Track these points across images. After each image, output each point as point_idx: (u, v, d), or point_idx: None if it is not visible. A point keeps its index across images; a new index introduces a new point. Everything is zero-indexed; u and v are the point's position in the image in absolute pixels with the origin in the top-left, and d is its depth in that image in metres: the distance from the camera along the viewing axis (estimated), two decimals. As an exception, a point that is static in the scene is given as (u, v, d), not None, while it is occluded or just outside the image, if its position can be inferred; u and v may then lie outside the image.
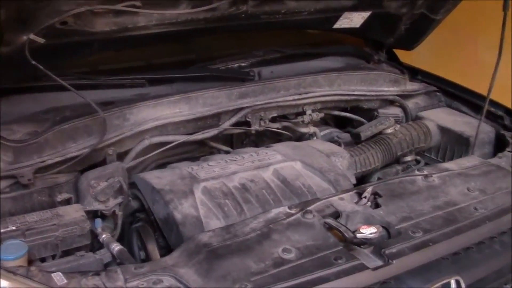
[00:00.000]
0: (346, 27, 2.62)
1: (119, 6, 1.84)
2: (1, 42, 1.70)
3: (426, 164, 2.43)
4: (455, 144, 2.41)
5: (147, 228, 1.87)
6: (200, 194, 1.84)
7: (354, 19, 2.60)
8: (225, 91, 2.24)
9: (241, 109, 2.25)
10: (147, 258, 1.82)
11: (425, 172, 1.82)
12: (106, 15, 1.91)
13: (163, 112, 2.11)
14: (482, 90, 2.64)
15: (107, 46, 2.07)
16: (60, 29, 1.81)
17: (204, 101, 2.20)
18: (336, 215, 1.60)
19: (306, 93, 2.40)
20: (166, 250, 1.80)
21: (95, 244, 1.84)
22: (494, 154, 2.34)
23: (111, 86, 2.23)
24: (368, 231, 1.51)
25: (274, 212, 1.57)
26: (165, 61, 2.43)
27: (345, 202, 1.64)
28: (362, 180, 2.28)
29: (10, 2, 1.55)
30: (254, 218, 1.55)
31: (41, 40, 1.76)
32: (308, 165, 2.03)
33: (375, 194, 1.68)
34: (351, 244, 1.47)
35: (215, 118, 2.22)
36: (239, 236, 1.47)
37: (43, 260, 1.68)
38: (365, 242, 1.45)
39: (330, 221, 1.54)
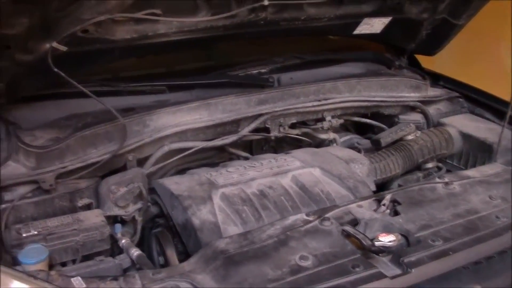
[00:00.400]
0: (366, 33, 2.60)
1: (140, 14, 1.86)
2: (24, 50, 1.74)
3: (448, 171, 2.40)
4: (478, 151, 2.37)
5: (166, 234, 1.88)
6: (219, 200, 1.84)
7: (374, 25, 2.58)
8: (244, 97, 2.25)
9: (260, 115, 2.26)
10: (166, 264, 1.83)
11: (446, 180, 1.79)
12: (126, 23, 1.94)
13: (182, 119, 2.13)
14: (505, 95, 2.61)
15: (127, 53, 2.10)
16: (82, 37, 1.84)
17: (224, 107, 2.21)
18: (355, 222, 1.59)
19: (326, 99, 2.39)
20: (184, 255, 1.81)
21: (115, 249, 1.86)
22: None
23: (132, 93, 2.26)
24: (386, 239, 1.49)
25: (291, 219, 1.57)
26: (185, 67, 2.45)
27: (364, 210, 1.63)
28: (382, 187, 2.25)
29: (33, 11, 1.58)
30: (272, 225, 1.55)
31: (63, 48, 1.80)
32: (327, 171, 2.02)
33: (394, 201, 1.66)
34: (369, 252, 1.45)
35: (234, 124, 2.23)
36: (256, 242, 1.47)
37: (63, 264, 1.71)
38: (383, 250, 1.44)
39: (348, 228, 1.52)
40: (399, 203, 1.65)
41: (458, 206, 1.67)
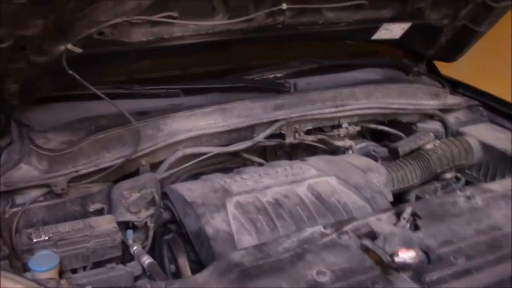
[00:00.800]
0: (385, 38, 2.55)
1: (156, 17, 1.83)
2: (39, 51, 1.71)
3: (467, 182, 2.34)
4: (498, 162, 2.31)
5: (178, 242, 1.84)
6: (233, 208, 1.80)
7: (393, 30, 2.53)
8: (260, 102, 2.21)
9: (276, 121, 2.21)
10: (178, 272, 1.80)
11: (467, 193, 1.73)
12: (142, 26, 1.91)
13: (197, 123, 2.09)
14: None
15: (143, 55, 2.07)
16: (97, 39, 1.81)
17: (239, 112, 2.17)
18: (373, 236, 1.54)
19: (343, 105, 2.34)
20: (197, 264, 1.78)
21: (126, 256, 1.83)
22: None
23: (146, 96, 2.23)
24: (407, 255, 1.44)
25: (308, 231, 1.52)
26: (201, 70, 2.42)
27: (383, 223, 1.58)
28: (399, 197, 2.20)
29: (49, 12, 1.55)
30: (288, 237, 1.50)
31: (78, 50, 1.77)
32: (344, 180, 1.97)
33: (414, 215, 1.61)
34: (389, 268, 1.40)
35: (250, 129, 2.19)
36: (272, 255, 1.42)
37: (74, 271, 1.68)
38: (403, 267, 1.38)
39: (367, 243, 1.48)
40: (419, 217, 1.60)
41: (481, 221, 1.61)
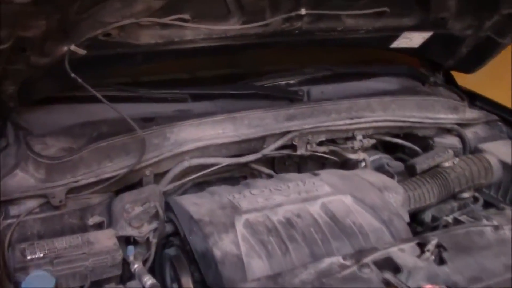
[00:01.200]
0: (404, 47, 2.43)
1: (167, 20, 1.70)
2: (40, 53, 1.59)
3: (485, 202, 2.23)
4: (520, 185, 2.20)
5: (182, 260, 1.73)
6: (242, 228, 1.69)
7: (413, 39, 2.41)
8: (272, 112, 2.09)
9: (288, 132, 2.09)
10: (181, 292, 1.69)
11: (495, 223, 1.62)
12: (151, 28, 1.79)
13: (205, 133, 1.97)
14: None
15: (150, 58, 1.95)
16: (103, 40, 1.69)
17: (250, 122, 2.04)
18: (396, 268, 1.42)
19: (358, 117, 2.22)
20: (201, 284, 1.67)
21: (126, 272, 1.71)
22: None
23: (152, 100, 2.10)
24: (432, 293, 1.34)
25: (326, 262, 1.41)
26: (210, 74, 2.29)
27: (406, 255, 1.46)
28: (414, 217, 2.09)
29: (53, 13, 1.42)
30: (305, 268, 1.39)
31: (82, 52, 1.66)
32: (359, 200, 1.86)
33: (439, 246, 1.50)
34: (414, 309, 1.29)
35: (260, 140, 2.07)
36: (287, 289, 1.31)
37: (71, 291, 1.57)
38: (430, 307, 1.28)
39: (390, 277, 1.37)
40: (445, 249, 1.49)
41: (509, 255, 1.50)
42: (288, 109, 2.13)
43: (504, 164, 2.25)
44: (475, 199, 2.25)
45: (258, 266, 1.58)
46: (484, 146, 2.37)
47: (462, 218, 2.06)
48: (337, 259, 1.41)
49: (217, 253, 1.58)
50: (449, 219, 2.05)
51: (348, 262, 1.40)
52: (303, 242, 1.67)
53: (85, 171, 1.76)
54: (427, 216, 2.15)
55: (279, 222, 1.73)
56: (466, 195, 2.23)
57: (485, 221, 1.64)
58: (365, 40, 2.30)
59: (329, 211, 1.80)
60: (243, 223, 1.70)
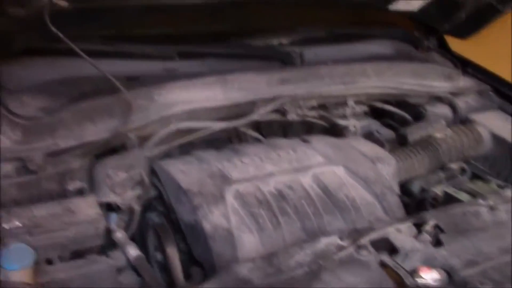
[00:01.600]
0: (402, 9, 2.32)
1: None
2: (19, 3, 1.44)
3: (473, 174, 2.21)
4: (508, 157, 2.17)
5: (167, 229, 1.65)
6: (232, 199, 1.62)
7: (412, 2, 2.30)
8: (264, 75, 1.98)
9: (280, 97, 2.00)
10: (165, 262, 1.62)
11: (491, 203, 1.60)
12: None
13: (195, 95, 1.86)
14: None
15: (135, 12, 1.79)
16: (87, -9, 1.53)
17: (241, 85, 1.94)
18: (393, 250, 1.39)
19: (353, 83, 2.14)
20: (187, 255, 1.61)
21: (107, 239, 1.63)
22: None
23: (137, 56, 1.96)
24: (429, 276, 1.30)
25: (323, 242, 1.35)
26: (199, 30, 2.13)
27: (403, 236, 1.42)
28: (401, 187, 2.05)
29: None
30: (301, 248, 1.33)
31: (64, 4, 1.50)
32: (352, 172, 1.80)
33: (436, 227, 1.46)
34: (411, 293, 1.26)
35: (251, 105, 1.97)
36: (283, 271, 1.26)
37: (49, 261, 1.48)
38: (426, 291, 1.25)
39: (388, 260, 1.33)
40: (442, 230, 1.45)
41: (504, 238, 1.48)
42: (281, 72, 2.03)
43: (495, 138, 2.22)
44: (463, 171, 2.22)
45: (248, 241, 1.53)
46: (475, 117, 2.33)
47: (450, 190, 2.07)
48: (334, 239, 1.36)
49: (207, 226, 1.52)
50: (438, 191, 2.04)
51: (345, 243, 1.36)
52: (294, 215, 1.62)
53: (65, 134, 1.64)
54: (415, 187, 2.11)
55: (270, 194, 1.66)
56: (454, 166, 2.20)
57: (480, 201, 1.61)
58: (363, 0, 2.19)
59: (321, 183, 1.74)
60: (234, 194, 1.63)
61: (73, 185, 1.64)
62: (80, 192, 1.65)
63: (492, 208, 1.57)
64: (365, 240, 1.37)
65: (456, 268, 1.35)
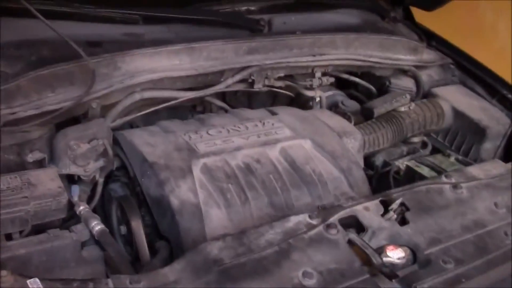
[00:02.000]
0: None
1: None
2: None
3: (433, 147, 2.25)
4: (468, 132, 2.23)
5: (132, 202, 1.62)
6: (199, 173, 1.59)
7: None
8: (232, 44, 1.92)
9: (248, 67, 1.96)
10: (130, 236, 1.60)
11: (453, 180, 1.63)
12: None
13: (160, 63, 1.79)
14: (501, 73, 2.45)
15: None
16: None
17: (208, 54, 1.88)
18: (360, 228, 1.41)
19: (321, 54, 2.12)
20: (152, 228, 1.59)
21: (69, 213, 1.58)
22: (506, 148, 2.20)
23: (98, 19, 1.86)
24: (395, 255, 1.34)
25: (293, 221, 1.35)
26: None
27: (371, 214, 1.44)
28: (364, 159, 2.07)
29: None
30: (271, 227, 1.33)
31: None
32: (319, 146, 1.80)
33: (402, 205, 1.49)
34: (377, 270, 1.29)
35: (218, 74, 1.92)
36: (254, 250, 1.25)
37: (8, 237, 1.42)
38: (395, 274, 1.27)
39: (356, 238, 1.35)
40: (407, 209, 1.48)
41: (466, 215, 1.53)
42: (249, 41, 1.97)
43: (456, 112, 2.26)
44: (424, 144, 2.27)
45: (216, 216, 1.52)
46: (438, 90, 2.36)
47: (412, 164, 2.11)
48: (304, 218, 1.37)
49: (174, 201, 1.49)
50: (401, 165, 2.08)
51: (314, 221, 1.36)
52: (262, 190, 1.61)
53: (23, 102, 1.55)
54: (378, 160, 2.15)
55: (238, 168, 1.65)
56: (415, 139, 2.25)
57: (444, 178, 1.64)
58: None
59: (288, 157, 1.73)
60: (201, 168, 1.60)
61: (32, 157, 1.56)
62: (40, 164, 1.58)
63: (454, 186, 1.61)
64: (333, 219, 1.38)
65: (420, 246, 1.39)
